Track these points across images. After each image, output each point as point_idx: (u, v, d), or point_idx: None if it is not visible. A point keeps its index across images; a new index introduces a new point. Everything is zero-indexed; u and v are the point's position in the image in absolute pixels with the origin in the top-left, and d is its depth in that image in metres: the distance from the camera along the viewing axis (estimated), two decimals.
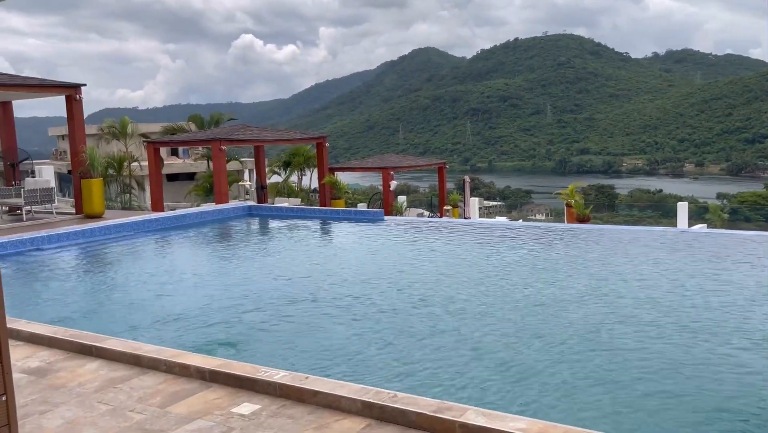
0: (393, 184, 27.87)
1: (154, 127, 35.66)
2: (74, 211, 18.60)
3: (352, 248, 14.00)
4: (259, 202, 24.25)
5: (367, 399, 4.43)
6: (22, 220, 16.80)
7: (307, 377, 4.90)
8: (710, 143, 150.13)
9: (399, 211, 26.87)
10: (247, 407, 4.67)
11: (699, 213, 27.87)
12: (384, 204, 26.72)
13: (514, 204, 72.84)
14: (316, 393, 4.64)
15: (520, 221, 27.56)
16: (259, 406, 4.68)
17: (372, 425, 4.30)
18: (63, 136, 44.14)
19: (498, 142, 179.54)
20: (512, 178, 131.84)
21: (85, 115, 18.22)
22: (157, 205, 22.56)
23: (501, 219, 27.14)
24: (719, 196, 74.93)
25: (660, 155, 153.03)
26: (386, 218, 16.86)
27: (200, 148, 32.91)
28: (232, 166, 32.07)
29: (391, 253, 13.03)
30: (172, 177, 40.30)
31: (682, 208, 21.41)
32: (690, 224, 21.31)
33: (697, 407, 5.38)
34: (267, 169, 29.05)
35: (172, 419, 4.54)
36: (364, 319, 8.14)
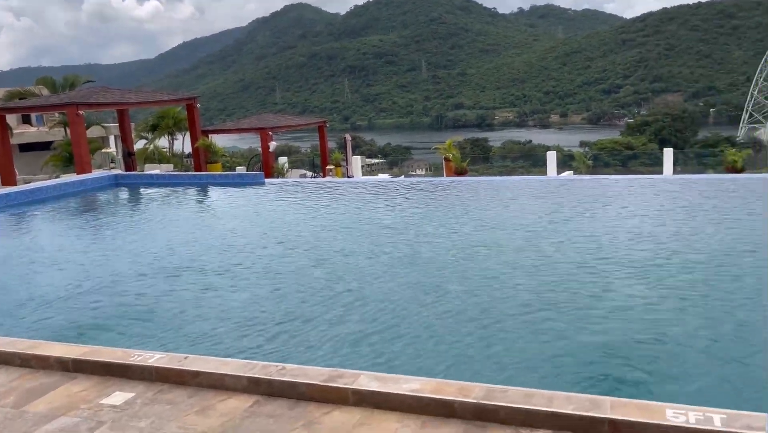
0: (272, 145, 26.98)
1: None
2: None
3: (232, 213, 13.39)
4: (127, 171, 22.63)
5: (253, 375, 4.14)
6: None
7: (186, 357, 4.51)
8: (572, 95, 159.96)
9: (281, 173, 26.14)
10: (118, 396, 4.22)
11: (565, 161, 29.54)
12: (264, 166, 25.87)
13: (396, 161, 73.89)
14: (197, 374, 4.28)
15: (402, 176, 27.86)
16: (133, 394, 4.24)
17: (260, 401, 4.03)
18: None
19: (376, 100, 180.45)
20: (392, 135, 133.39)
21: None
22: (7, 179, 20.36)
23: (383, 176, 27.28)
24: (582, 144, 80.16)
25: (528, 107, 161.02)
26: (267, 180, 16.32)
27: (56, 114, 30.05)
28: (95, 132, 29.62)
29: (274, 216, 12.60)
30: (26, 147, 36.59)
31: (551, 157, 22.49)
32: (559, 172, 22.45)
33: (578, 344, 5.59)
34: (134, 135, 27.11)
35: (30, 419, 4.01)
36: (251, 287, 7.77)
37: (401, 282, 7.63)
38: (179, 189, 16.09)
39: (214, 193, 15.62)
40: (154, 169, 23.64)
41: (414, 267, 8.23)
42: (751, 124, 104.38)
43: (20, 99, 28.28)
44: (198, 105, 24.36)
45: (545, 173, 22.53)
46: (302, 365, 4.26)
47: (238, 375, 4.17)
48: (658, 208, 11.33)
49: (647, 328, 5.87)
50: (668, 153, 21.76)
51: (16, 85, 36.30)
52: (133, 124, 30.15)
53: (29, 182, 19.83)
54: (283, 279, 8.03)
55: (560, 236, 9.49)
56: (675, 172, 21.47)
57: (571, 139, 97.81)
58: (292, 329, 6.30)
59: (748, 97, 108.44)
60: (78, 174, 19.09)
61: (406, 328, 6.19)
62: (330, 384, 3.94)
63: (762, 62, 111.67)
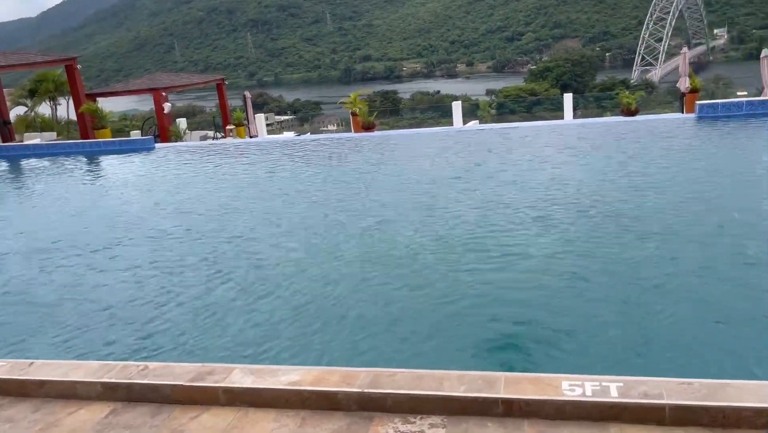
0: (167, 106, 25.30)
1: None
2: None
3: (114, 184, 12.33)
4: (3, 141, 20.60)
5: (109, 379, 3.59)
6: None
7: (31, 363, 3.88)
8: (477, 43, 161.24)
9: (178, 136, 24.67)
10: None
11: (472, 110, 29.62)
12: (160, 129, 24.29)
13: (306, 117, 72.16)
14: (42, 383, 3.67)
15: (308, 134, 27.04)
16: None
17: (117, 410, 3.49)
18: None
19: (282, 54, 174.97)
20: (301, 91, 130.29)
21: None
22: None
23: (288, 134, 26.36)
24: (488, 92, 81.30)
25: (435, 58, 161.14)
26: (158, 145, 15.24)
27: None
28: None
29: (158, 184, 11.70)
30: None
31: (457, 108, 22.36)
32: (465, 121, 22.40)
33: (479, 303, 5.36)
34: (8, 101, 24.66)
35: None
36: (131, 268, 7.05)
37: (289, 248, 7.16)
38: (58, 159, 14.72)
39: (98, 161, 14.39)
40: (34, 139, 21.65)
41: (304, 231, 7.76)
42: (643, 66, 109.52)
43: None
44: (79, 66, 22.33)
45: (452, 123, 22.42)
46: (167, 363, 3.74)
47: (91, 381, 3.61)
48: (552, 155, 11.36)
49: (545, 279, 5.72)
50: (568, 98, 22.07)
51: None
52: (11, 90, 27.46)
53: None
54: (159, 254, 7.37)
55: (465, 191, 9.28)
56: (575, 116, 21.91)
57: (477, 88, 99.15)
58: (175, 312, 5.73)
59: (640, 40, 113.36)
60: None
61: (293, 298, 5.76)
62: (197, 384, 3.46)
63: (651, 6, 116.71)
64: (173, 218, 8.94)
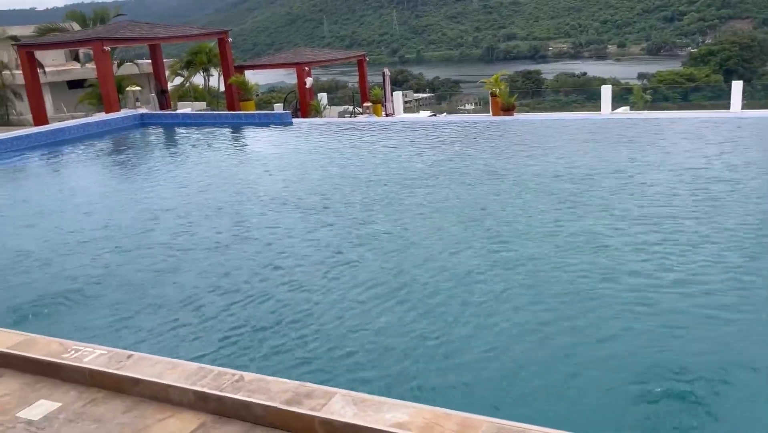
0: (309, 81, 25.78)
1: (28, 30, 31.04)
2: None
3: (246, 159, 12.42)
4: (161, 109, 21.97)
5: (201, 388, 3.25)
6: None
7: (130, 356, 3.66)
8: (631, 23, 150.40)
9: (318, 111, 25.06)
10: (41, 407, 3.41)
11: (622, 95, 27.38)
12: (301, 104, 24.79)
13: (444, 95, 71.38)
14: (136, 381, 3.42)
15: (444, 114, 26.38)
16: (60, 404, 3.42)
17: (207, 424, 3.15)
18: None
19: (425, 32, 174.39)
20: (441, 69, 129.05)
21: None
22: (39, 118, 19.93)
23: (424, 114, 25.88)
24: (640, 76, 75.60)
25: (584, 38, 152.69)
26: (296, 120, 15.34)
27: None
28: (134, 70, 28.86)
29: (288, 162, 11.61)
30: (75, 84, 36.24)
31: (606, 92, 20.67)
32: (614, 107, 20.71)
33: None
34: (168, 72, 26.30)
35: None
36: (250, 249, 6.90)
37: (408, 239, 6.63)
38: (202, 130, 15.26)
39: (236, 134, 14.73)
40: (186, 108, 22.90)
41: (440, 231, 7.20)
42: None
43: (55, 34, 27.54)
44: (230, 39, 23.23)
45: (599, 108, 20.77)
46: (264, 376, 3.34)
47: (184, 387, 3.29)
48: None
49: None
50: (737, 86, 19.49)
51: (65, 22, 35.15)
52: (170, 61, 29.29)
53: (65, 121, 19.34)
54: (270, 237, 7.15)
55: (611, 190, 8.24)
56: (742, 106, 19.37)
57: (628, 71, 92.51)
58: (284, 297, 5.44)
59: None
60: (106, 113, 18.52)
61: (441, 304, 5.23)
62: (292, 409, 3.02)
63: None
64: (295, 199, 8.76)
